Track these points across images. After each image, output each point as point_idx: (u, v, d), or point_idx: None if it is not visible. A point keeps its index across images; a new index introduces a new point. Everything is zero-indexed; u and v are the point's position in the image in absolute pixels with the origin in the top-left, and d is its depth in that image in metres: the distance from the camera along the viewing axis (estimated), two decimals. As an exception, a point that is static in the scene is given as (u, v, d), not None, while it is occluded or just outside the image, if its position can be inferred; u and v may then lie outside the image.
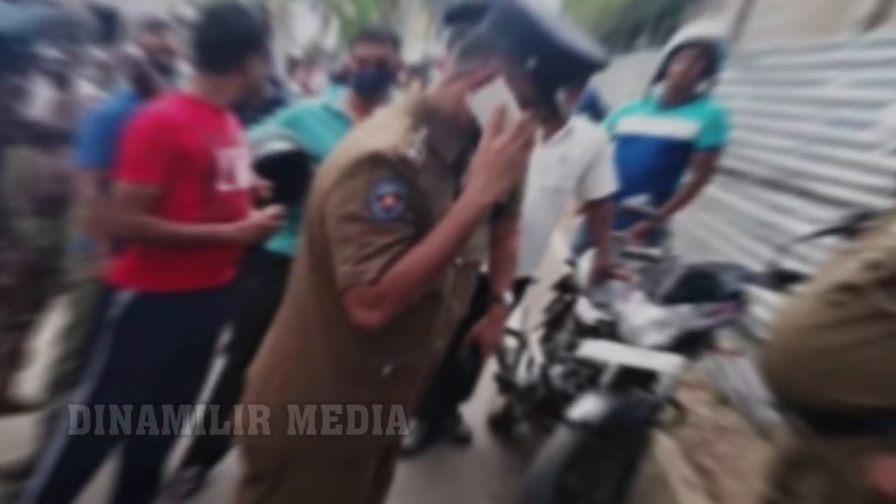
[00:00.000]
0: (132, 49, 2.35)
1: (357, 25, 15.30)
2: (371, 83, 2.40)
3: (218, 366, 2.40)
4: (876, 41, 3.68)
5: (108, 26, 2.87)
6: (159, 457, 2.24)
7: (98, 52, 2.85)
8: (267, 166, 2.19)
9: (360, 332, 1.32)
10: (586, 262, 2.97)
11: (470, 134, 1.35)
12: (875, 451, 1.49)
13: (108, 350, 1.94)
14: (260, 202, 2.12)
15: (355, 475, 1.52)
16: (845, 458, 1.53)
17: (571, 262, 3.22)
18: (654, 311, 2.48)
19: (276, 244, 2.26)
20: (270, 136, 2.31)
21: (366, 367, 1.42)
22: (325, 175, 1.33)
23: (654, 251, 2.90)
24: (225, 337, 2.40)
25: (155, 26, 2.49)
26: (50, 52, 2.18)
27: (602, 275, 2.86)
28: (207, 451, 2.61)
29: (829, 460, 1.56)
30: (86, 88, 2.75)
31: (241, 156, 2.02)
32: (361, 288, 1.25)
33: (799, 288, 1.93)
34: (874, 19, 5.27)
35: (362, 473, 1.54)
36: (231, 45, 1.90)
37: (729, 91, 4.55)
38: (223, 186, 1.94)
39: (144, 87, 2.26)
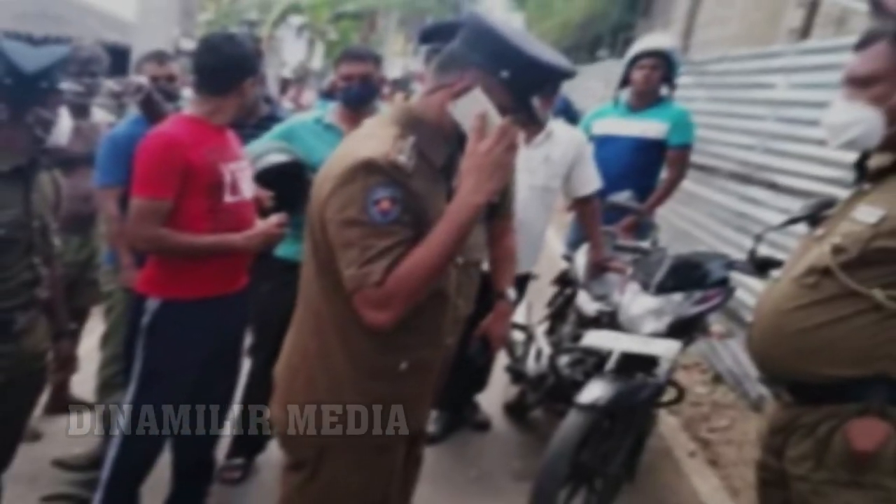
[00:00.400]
0: (140, 78, 2.48)
1: (340, 47, 15.70)
2: (357, 97, 2.53)
3: (245, 367, 2.52)
4: (807, 49, 4.05)
5: (120, 60, 3.02)
6: (205, 450, 2.37)
7: (111, 83, 3.04)
8: (267, 177, 2.29)
9: (373, 332, 1.38)
10: (582, 257, 3.06)
11: (456, 139, 1.41)
12: (854, 416, 1.58)
13: (143, 355, 2.06)
14: (263, 212, 2.22)
15: (387, 460, 1.58)
16: (828, 424, 1.62)
17: (568, 258, 3.32)
18: (649, 301, 2.58)
19: (283, 250, 2.36)
20: (268, 149, 2.42)
21: (383, 365, 1.48)
22: (322, 183, 1.39)
23: (644, 244, 2.98)
24: (248, 340, 2.51)
25: (159, 57, 2.68)
26: (69, 85, 2.33)
27: (598, 268, 2.95)
28: (249, 444, 2.74)
29: (814, 427, 1.65)
30: (100, 115, 2.95)
31: (243, 169, 2.14)
32: (368, 290, 1.30)
33: (777, 273, 2.03)
34: (803, 31, 5.72)
35: (393, 458, 1.60)
36: (227, 70, 2.03)
37: (687, 95, 4.80)
38: (229, 198, 2.05)
39: (152, 112, 2.38)
